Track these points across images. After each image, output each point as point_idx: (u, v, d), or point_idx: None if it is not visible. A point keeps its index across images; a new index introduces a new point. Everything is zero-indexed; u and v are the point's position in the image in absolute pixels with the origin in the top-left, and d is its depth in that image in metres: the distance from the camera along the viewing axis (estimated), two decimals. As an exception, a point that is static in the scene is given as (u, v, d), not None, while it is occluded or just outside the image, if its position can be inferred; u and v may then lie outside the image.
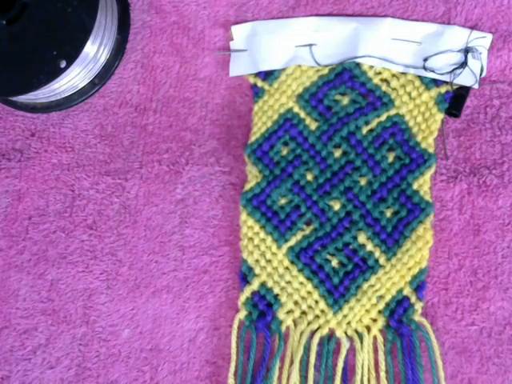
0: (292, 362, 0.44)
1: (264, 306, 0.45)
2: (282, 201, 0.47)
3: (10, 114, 0.53)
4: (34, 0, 0.48)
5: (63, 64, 0.48)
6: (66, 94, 0.51)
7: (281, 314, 0.45)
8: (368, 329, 0.44)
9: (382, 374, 0.43)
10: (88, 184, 0.51)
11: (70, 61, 0.48)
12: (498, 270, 0.45)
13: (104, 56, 0.51)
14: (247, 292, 0.45)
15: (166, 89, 0.51)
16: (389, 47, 0.48)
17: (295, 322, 0.45)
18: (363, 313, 0.44)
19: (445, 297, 0.45)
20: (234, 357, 0.45)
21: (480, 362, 0.44)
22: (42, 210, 0.51)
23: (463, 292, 0.45)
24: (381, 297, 0.44)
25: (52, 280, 0.49)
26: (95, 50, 0.50)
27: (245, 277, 0.46)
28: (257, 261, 0.46)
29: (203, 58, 0.52)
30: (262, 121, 0.48)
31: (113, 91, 0.52)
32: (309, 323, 0.45)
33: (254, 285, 0.45)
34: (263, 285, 0.45)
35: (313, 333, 0.44)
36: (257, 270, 0.45)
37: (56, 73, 0.48)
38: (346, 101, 0.48)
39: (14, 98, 0.51)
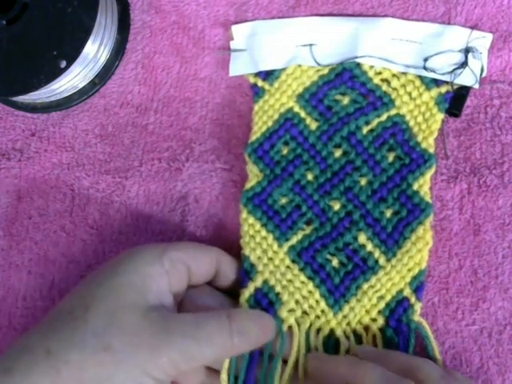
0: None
1: (266, 304, 0.45)
2: (283, 200, 0.47)
3: (10, 113, 0.53)
4: (33, 0, 0.48)
5: (63, 64, 0.48)
6: (66, 94, 0.51)
7: (283, 313, 0.44)
8: (366, 329, 0.44)
9: None
10: (88, 183, 0.51)
11: (70, 61, 0.48)
12: (499, 270, 0.45)
13: (104, 56, 0.51)
14: (251, 288, 0.45)
15: (166, 89, 0.51)
16: (389, 47, 0.48)
17: (297, 322, 0.44)
18: (363, 313, 0.44)
19: (445, 296, 0.45)
20: None
21: (480, 361, 0.44)
22: (42, 209, 0.51)
23: (464, 292, 0.45)
24: (381, 297, 0.44)
25: (53, 280, 0.49)
26: (95, 50, 0.50)
27: (247, 273, 0.45)
28: (259, 258, 0.45)
29: (203, 57, 0.52)
30: (263, 120, 0.48)
31: (113, 91, 0.52)
32: (311, 323, 0.44)
33: (257, 282, 0.45)
34: (266, 282, 0.45)
35: (315, 333, 0.44)
36: (259, 267, 0.45)
37: (56, 73, 0.48)
38: (346, 101, 0.48)
39: (14, 98, 0.51)
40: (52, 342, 0.37)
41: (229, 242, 0.48)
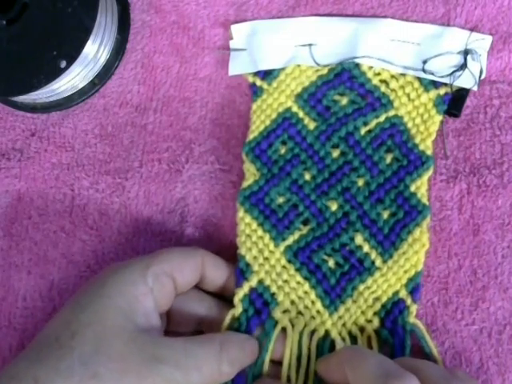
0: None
1: (260, 305, 0.45)
2: (280, 200, 0.47)
3: (10, 114, 0.53)
4: (33, 0, 0.48)
5: (63, 64, 0.48)
6: (66, 94, 0.51)
7: (277, 314, 0.44)
8: (362, 330, 0.44)
9: None
10: (88, 183, 0.51)
11: (70, 61, 0.48)
12: (498, 270, 0.45)
13: (104, 56, 0.51)
14: (245, 288, 0.45)
15: (166, 88, 0.52)
16: (388, 48, 0.48)
17: (291, 323, 0.44)
18: (359, 314, 0.44)
19: (445, 296, 0.45)
20: None
21: (480, 361, 0.44)
22: (41, 209, 0.51)
23: (463, 292, 0.45)
24: (377, 299, 0.44)
25: (53, 280, 0.49)
26: (95, 50, 0.50)
27: (242, 273, 0.45)
28: (255, 258, 0.45)
29: (203, 57, 0.52)
30: (261, 119, 0.48)
31: (113, 91, 0.52)
32: (305, 324, 0.44)
33: (252, 281, 0.45)
34: (261, 282, 0.45)
35: (309, 334, 0.44)
36: (255, 267, 0.45)
37: (56, 73, 0.48)
38: (344, 101, 0.48)
39: (14, 98, 0.51)
40: (39, 371, 0.37)
41: (227, 243, 0.48)
